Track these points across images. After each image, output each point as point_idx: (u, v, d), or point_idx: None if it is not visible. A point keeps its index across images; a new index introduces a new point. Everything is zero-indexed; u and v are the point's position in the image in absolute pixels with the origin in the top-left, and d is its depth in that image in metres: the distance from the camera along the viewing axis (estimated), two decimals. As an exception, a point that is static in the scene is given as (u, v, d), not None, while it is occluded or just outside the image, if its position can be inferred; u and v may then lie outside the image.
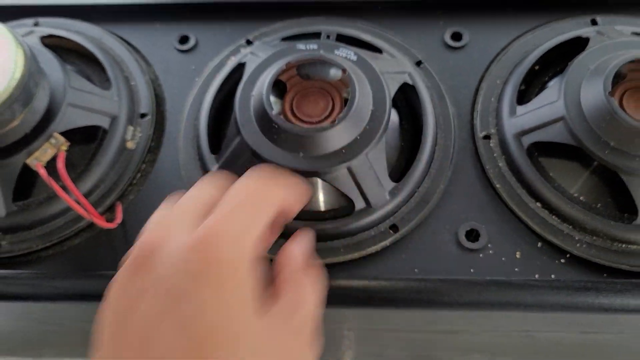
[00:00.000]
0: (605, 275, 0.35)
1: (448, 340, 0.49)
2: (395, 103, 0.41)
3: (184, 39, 0.46)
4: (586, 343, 0.46)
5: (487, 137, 0.40)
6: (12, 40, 0.36)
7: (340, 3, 0.45)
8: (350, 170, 0.35)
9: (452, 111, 0.41)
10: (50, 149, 0.37)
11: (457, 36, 0.44)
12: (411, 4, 0.45)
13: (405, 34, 0.44)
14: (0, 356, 0.58)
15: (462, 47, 0.44)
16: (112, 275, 0.28)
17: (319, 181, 0.37)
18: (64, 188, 0.35)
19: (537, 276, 0.35)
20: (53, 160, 0.36)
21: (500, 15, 0.44)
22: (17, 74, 0.35)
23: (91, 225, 0.38)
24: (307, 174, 0.34)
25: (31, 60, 0.36)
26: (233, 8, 0.46)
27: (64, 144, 0.37)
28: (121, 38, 0.46)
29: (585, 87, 0.36)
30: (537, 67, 0.41)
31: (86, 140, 0.40)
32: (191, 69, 0.44)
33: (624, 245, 0.35)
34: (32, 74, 0.36)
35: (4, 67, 0.35)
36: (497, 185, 0.38)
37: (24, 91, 0.35)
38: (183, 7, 0.47)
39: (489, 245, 0.36)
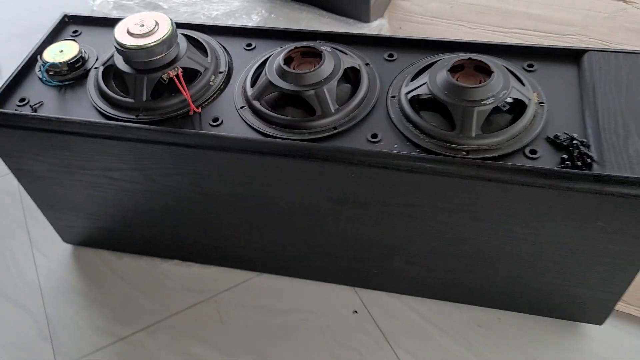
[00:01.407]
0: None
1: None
2: (349, 76, 0.78)
3: (249, 45, 0.86)
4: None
5: (393, 97, 0.76)
6: (169, 21, 0.76)
7: (324, 34, 0.85)
8: (316, 93, 0.72)
9: (379, 85, 0.77)
10: (173, 72, 0.76)
11: (391, 55, 0.82)
12: (366, 38, 0.84)
13: (363, 51, 0.82)
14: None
15: (393, 60, 0.81)
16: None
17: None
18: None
19: (395, 146, 0.69)
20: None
21: (416, 47, 0.82)
22: (168, 33, 0.75)
23: (184, 112, 0.76)
24: (295, 92, 0.72)
25: (174, 32, 0.76)
26: (274, 33, 0.86)
27: (180, 70, 0.76)
28: (219, 43, 0.86)
29: (438, 71, 0.72)
30: (421, 68, 0.78)
31: (190, 77, 0.79)
32: (250, 58, 0.84)
33: (451, 145, 0.69)
34: (173, 36, 0.76)
35: (163, 30, 0.75)
36: (392, 116, 0.73)
37: (168, 41, 0.75)
38: (250, 30, 0.87)
39: (381, 142, 0.71)
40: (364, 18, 1.27)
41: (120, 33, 0.76)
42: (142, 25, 0.76)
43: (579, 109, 0.72)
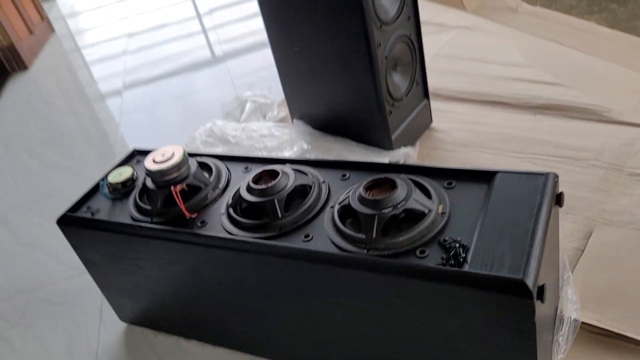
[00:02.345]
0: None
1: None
2: (304, 190, 0.99)
3: (246, 167, 1.12)
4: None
5: (332, 207, 0.95)
6: (182, 151, 1.06)
7: (293, 160, 1.08)
8: (268, 203, 0.94)
9: (325, 198, 0.97)
10: (176, 187, 1.04)
11: (344, 175, 1.02)
12: (327, 162, 1.05)
13: (325, 171, 1.03)
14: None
15: (346, 179, 1.01)
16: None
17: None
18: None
19: (319, 244, 0.87)
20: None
21: (366, 169, 1.01)
22: (179, 160, 1.04)
23: (183, 216, 1.02)
24: (254, 202, 0.95)
25: (185, 159, 1.05)
26: (265, 160, 1.12)
27: (181, 187, 1.03)
28: (226, 166, 1.14)
29: (359, 187, 0.91)
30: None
31: (196, 190, 1.06)
32: (243, 177, 1.09)
33: (358, 244, 0.85)
34: (183, 162, 1.05)
35: (176, 158, 1.05)
36: (325, 222, 0.92)
37: (177, 165, 1.04)
38: (248, 158, 1.14)
39: (312, 241, 0.90)
40: (387, 147, 1.49)
41: (148, 161, 1.07)
42: (163, 155, 1.07)
43: (475, 219, 0.85)
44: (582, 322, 0.99)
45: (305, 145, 1.51)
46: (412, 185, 0.89)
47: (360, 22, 1.31)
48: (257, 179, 1.01)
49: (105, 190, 1.16)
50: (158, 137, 2.14)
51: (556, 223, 0.92)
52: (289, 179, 0.98)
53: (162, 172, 1.04)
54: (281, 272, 0.92)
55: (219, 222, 1.00)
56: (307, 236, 0.91)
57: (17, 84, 3.01)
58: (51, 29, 3.70)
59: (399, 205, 0.85)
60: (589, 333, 1.00)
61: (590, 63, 1.96)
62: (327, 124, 1.59)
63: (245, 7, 3.26)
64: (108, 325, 1.33)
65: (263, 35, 1.65)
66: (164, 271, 1.08)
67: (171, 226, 1.02)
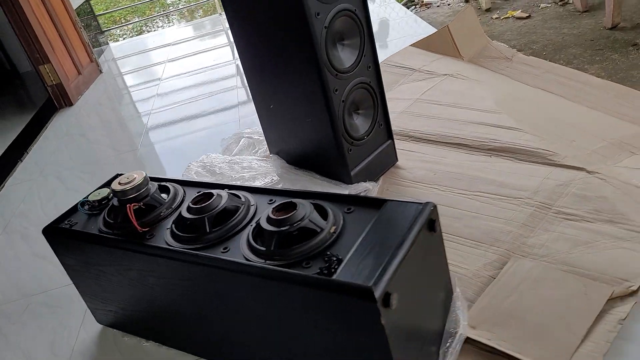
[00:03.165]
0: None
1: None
2: (234, 211, 1.16)
3: (198, 191, 1.31)
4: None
5: (252, 225, 1.12)
6: (143, 175, 1.26)
7: (232, 186, 1.26)
8: (199, 220, 1.13)
9: (250, 218, 1.14)
10: (131, 205, 1.23)
11: (271, 200, 1.19)
12: (258, 189, 1.22)
13: (258, 196, 1.21)
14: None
15: (272, 202, 1.18)
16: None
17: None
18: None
19: (230, 255, 1.04)
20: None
21: (287, 195, 1.18)
22: (138, 182, 1.24)
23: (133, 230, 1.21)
24: (189, 219, 1.13)
25: (145, 181, 1.25)
26: (209, 185, 1.30)
27: (135, 205, 1.23)
28: (183, 189, 1.33)
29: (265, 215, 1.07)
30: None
31: (149, 208, 1.25)
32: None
33: (259, 256, 1.02)
34: (142, 184, 1.25)
35: (137, 181, 1.25)
36: (241, 238, 1.09)
37: (137, 187, 1.24)
38: (199, 183, 1.33)
39: (228, 252, 1.06)
40: (347, 181, 1.65)
41: (115, 182, 1.28)
42: (128, 178, 1.27)
43: (360, 238, 1.00)
44: (474, 340, 1.10)
45: (275, 177, 1.69)
46: (313, 208, 1.05)
47: (317, 71, 1.49)
48: (196, 201, 1.19)
49: (86, 207, 1.37)
50: (168, 166, 2.38)
51: (436, 247, 1.05)
52: (221, 201, 1.16)
53: (123, 192, 1.25)
54: (203, 278, 1.09)
55: (163, 236, 1.19)
56: (225, 248, 1.08)
57: (61, 118, 3.36)
58: (99, 70, 4.10)
59: (295, 224, 1.02)
60: (480, 350, 1.11)
61: (565, 110, 2.08)
62: (297, 159, 1.77)
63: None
64: (87, 327, 1.52)
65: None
66: (123, 277, 1.27)
67: (125, 237, 1.21)
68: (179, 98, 3.22)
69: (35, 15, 3.36)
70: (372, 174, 1.72)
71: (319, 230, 1.02)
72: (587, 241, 1.30)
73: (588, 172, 1.52)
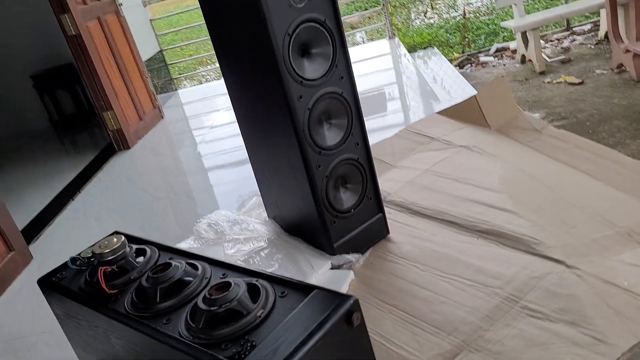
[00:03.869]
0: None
1: None
2: (187, 282, 1.25)
3: (170, 257, 1.41)
4: None
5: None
6: (122, 240, 1.38)
7: (188, 253, 1.35)
8: (149, 289, 1.22)
9: (200, 290, 1.22)
10: (104, 268, 1.35)
11: (224, 274, 1.26)
12: (213, 260, 1.30)
13: (213, 270, 1.29)
14: None
15: (225, 276, 1.25)
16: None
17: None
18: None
19: (166, 327, 1.12)
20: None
21: (239, 269, 1.25)
22: (115, 246, 1.36)
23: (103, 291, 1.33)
24: (144, 288, 1.23)
25: (123, 244, 1.37)
26: (186, 253, 1.40)
27: (110, 268, 1.35)
28: (159, 253, 1.44)
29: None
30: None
31: (122, 271, 1.37)
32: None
33: (189, 333, 1.09)
34: (119, 248, 1.37)
35: (114, 245, 1.37)
36: (186, 310, 1.17)
37: (112, 251, 1.36)
38: (181, 250, 1.43)
39: (169, 324, 1.15)
40: (330, 252, 1.70)
41: (96, 245, 1.40)
42: (107, 242, 1.39)
43: (279, 325, 1.05)
44: None
45: (263, 243, 1.77)
46: (246, 290, 1.12)
47: (299, 148, 1.57)
48: (156, 270, 1.29)
49: (78, 262, 1.51)
50: (191, 216, 2.53)
51: (357, 341, 1.08)
52: (177, 272, 1.25)
53: (100, 255, 1.37)
54: (145, 346, 1.18)
55: (125, 300, 1.29)
56: (168, 320, 1.17)
57: (116, 161, 3.64)
58: (160, 116, 4.40)
59: (224, 305, 1.08)
60: None
61: (583, 189, 2.02)
62: (289, 226, 1.84)
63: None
64: (77, 371, 1.65)
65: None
66: (94, 332, 1.38)
67: (95, 297, 1.33)
68: (227, 146, 3.40)
69: (104, 66, 3.70)
70: (359, 246, 1.76)
71: (245, 313, 1.08)
72: (544, 342, 1.27)
73: (567, 266, 1.48)
